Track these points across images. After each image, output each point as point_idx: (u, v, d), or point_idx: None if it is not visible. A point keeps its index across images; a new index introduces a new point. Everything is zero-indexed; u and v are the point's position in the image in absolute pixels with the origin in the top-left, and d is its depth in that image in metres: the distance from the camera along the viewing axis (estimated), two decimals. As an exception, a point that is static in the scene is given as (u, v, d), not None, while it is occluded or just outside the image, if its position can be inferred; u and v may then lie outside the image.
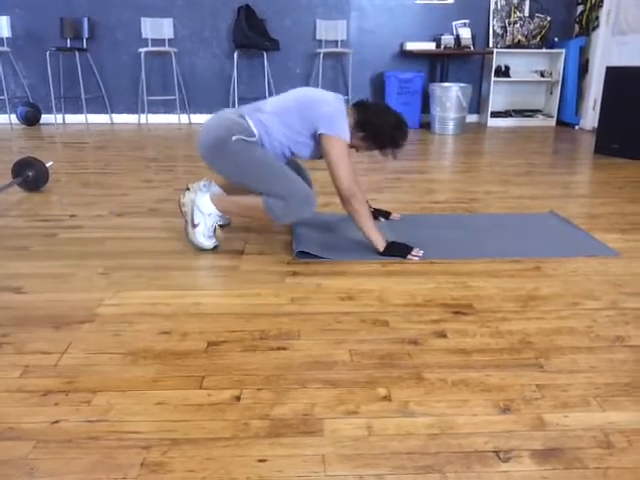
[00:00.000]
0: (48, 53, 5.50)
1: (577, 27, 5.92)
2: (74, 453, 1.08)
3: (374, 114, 2.08)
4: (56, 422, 1.17)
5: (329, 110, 2.02)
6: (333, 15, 5.85)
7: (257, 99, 2.26)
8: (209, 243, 2.17)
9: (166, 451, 1.09)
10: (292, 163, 2.27)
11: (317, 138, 2.04)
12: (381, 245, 2.08)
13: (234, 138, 1.99)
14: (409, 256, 2.09)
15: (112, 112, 5.99)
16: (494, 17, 5.92)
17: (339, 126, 2.01)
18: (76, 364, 1.39)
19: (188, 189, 2.18)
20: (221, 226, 2.36)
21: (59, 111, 5.89)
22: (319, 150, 2.08)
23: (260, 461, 1.07)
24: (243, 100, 5.76)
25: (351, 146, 2.10)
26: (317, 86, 5.83)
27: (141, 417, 1.19)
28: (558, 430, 1.16)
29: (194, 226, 2.12)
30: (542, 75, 6.01)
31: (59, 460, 1.06)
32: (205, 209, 2.10)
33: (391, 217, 2.56)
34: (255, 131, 2.04)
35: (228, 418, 1.19)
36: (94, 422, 1.17)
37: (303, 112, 2.03)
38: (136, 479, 1.02)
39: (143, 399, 1.25)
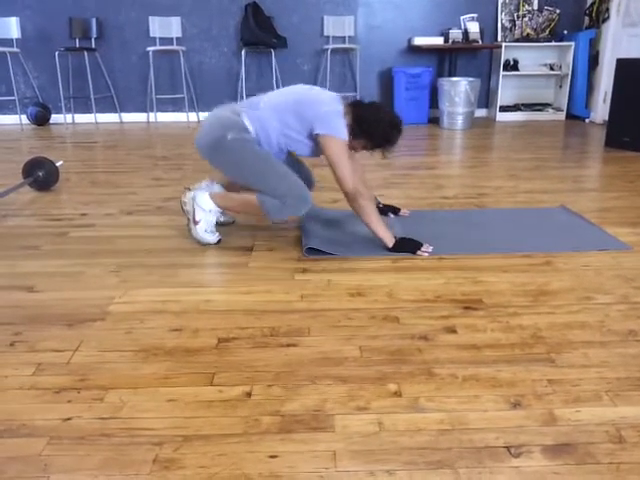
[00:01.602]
0: (57, 53, 5.54)
1: (587, 19, 5.86)
2: (87, 450, 1.09)
3: (368, 112, 2.07)
4: (69, 419, 1.18)
5: (326, 110, 2.02)
6: (340, 11, 5.83)
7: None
8: (212, 238, 2.22)
9: (178, 447, 1.10)
10: (292, 159, 2.28)
11: (315, 138, 2.04)
12: (389, 241, 2.08)
13: (230, 136, 2.01)
14: (418, 252, 2.08)
15: (121, 111, 6.02)
16: (502, 11, 5.88)
17: (336, 126, 2.01)
18: (88, 362, 1.40)
19: (189, 189, 2.23)
20: (225, 224, 2.40)
21: (69, 111, 5.93)
22: (319, 150, 2.08)
23: (271, 457, 1.07)
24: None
25: (349, 147, 2.08)
26: (325, 82, 5.83)
27: (153, 414, 1.20)
28: (570, 425, 1.15)
29: (196, 223, 2.18)
30: (551, 68, 5.96)
31: (72, 457, 1.07)
32: (205, 206, 2.16)
33: (400, 213, 2.55)
34: (251, 128, 2.06)
35: (239, 414, 1.19)
36: (106, 419, 1.18)
37: (300, 112, 2.03)
38: (148, 475, 1.02)
39: (155, 396, 1.26)
